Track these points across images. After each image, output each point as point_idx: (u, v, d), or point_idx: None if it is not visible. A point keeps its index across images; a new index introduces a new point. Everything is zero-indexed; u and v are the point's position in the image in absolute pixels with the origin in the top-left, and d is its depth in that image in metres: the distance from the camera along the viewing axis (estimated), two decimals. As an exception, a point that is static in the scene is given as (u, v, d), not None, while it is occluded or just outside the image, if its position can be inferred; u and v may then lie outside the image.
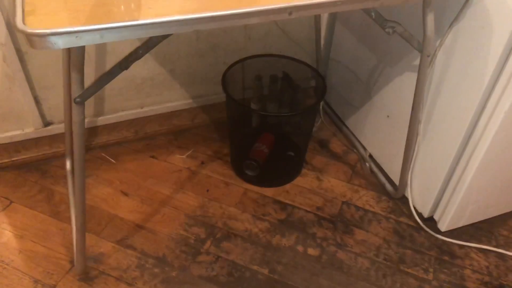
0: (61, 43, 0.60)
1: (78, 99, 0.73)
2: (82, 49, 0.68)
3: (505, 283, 1.11)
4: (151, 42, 0.72)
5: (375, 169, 1.38)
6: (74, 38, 0.60)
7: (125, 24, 0.62)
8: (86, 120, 1.32)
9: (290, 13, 0.72)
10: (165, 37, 0.72)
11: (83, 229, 0.93)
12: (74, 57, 0.68)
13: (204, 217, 1.21)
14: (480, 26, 0.92)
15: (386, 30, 0.90)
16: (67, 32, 0.59)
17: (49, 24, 0.60)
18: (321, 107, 1.59)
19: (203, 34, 1.33)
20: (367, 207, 1.28)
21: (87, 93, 0.73)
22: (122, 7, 0.70)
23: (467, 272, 1.13)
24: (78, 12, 0.65)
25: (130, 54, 0.72)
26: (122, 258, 1.09)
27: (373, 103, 1.34)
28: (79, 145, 0.78)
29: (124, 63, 0.72)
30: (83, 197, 0.86)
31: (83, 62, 0.70)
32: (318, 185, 1.34)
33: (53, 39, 0.58)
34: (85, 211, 0.90)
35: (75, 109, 0.74)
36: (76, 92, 0.72)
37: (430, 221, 1.23)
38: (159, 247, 1.13)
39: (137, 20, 0.62)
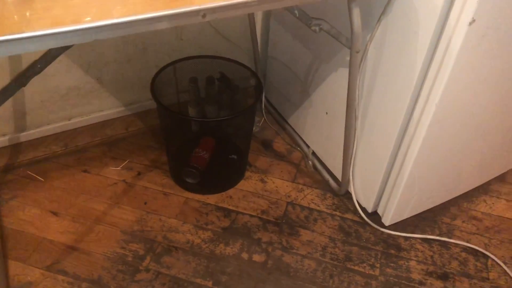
0: None
1: (-30, 122, 0.64)
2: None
3: (449, 271, 1.13)
4: (51, 55, 0.65)
5: (319, 166, 1.36)
6: None
7: (6, 38, 0.54)
8: (6, 137, 1.23)
9: (203, 16, 0.67)
10: (65, 48, 0.65)
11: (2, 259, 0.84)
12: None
13: (142, 232, 1.15)
14: (406, 19, 0.91)
15: (312, 28, 0.87)
16: None
17: None
18: (263, 106, 1.56)
19: (130, 38, 1.25)
20: (312, 206, 1.26)
21: (-20, 115, 0.65)
22: (15, 17, 0.62)
23: (413, 263, 1.14)
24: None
25: (27, 69, 0.65)
26: (52, 285, 1.01)
27: (312, 101, 1.32)
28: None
29: (21, 79, 0.65)
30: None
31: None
32: (262, 187, 1.30)
33: None
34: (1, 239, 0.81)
35: (-31, 133, 0.66)
36: (-34, 114, 0.64)
37: (375, 216, 1.23)
38: (93, 269, 1.05)
39: (23, 32, 0.55)
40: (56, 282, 1.02)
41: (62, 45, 0.61)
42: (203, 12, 0.67)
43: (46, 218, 1.15)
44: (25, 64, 1.14)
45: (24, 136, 1.25)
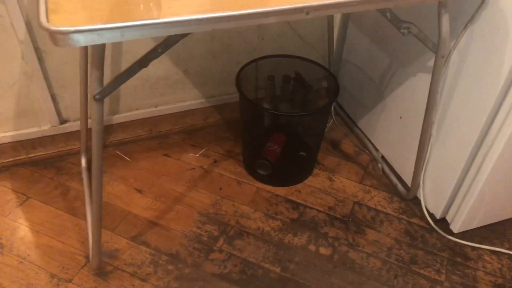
0: (83, 40, 0.61)
1: (97, 96, 0.74)
2: (102, 47, 0.69)
3: (518, 285, 1.11)
4: (170, 41, 0.73)
5: (387, 170, 1.38)
6: (95, 35, 0.61)
7: (145, 22, 0.63)
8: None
9: (307, 13, 0.73)
10: (183, 36, 0.73)
11: (99, 225, 0.94)
12: (95, 55, 0.69)
13: (217, 215, 1.22)
14: (495, 28, 0.92)
15: (401, 30, 0.90)
16: (89, 30, 0.60)
17: (71, 22, 0.62)
18: (332, 108, 1.60)
19: (217, 35, 1.34)
20: (379, 207, 1.28)
21: (106, 91, 0.74)
22: (142, 6, 0.71)
23: (480, 274, 1.13)
24: (99, 10, 0.66)
25: (149, 53, 0.74)
26: (136, 254, 1.11)
27: (385, 104, 1.34)
28: (97, 142, 0.80)
29: (143, 62, 0.74)
30: (100, 193, 0.88)
31: (103, 60, 0.71)
32: (329, 185, 1.34)
33: (76, 36, 0.60)
34: (101, 207, 0.91)
35: (94, 106, 0.75)
36: (96, 89, 0.73)
37: (442, 222, 1.23)
38: (172, 244, 1.14)
39: (156, 18, 0.64)
40: (140, 252, 1.11)
41: (182, 32, 0.69)
42: (307, 10, 0.72)
43: (131, 194, 1.26)
44: (124, 51, 1.26)
45: (116, 119, 1.37)
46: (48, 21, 0.61)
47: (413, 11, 1.11)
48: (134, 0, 0.70)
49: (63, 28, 0.59)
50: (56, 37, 0.60)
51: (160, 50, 0.73)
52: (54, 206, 1.21)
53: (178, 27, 0.66)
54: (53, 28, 0.59)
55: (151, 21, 0.63)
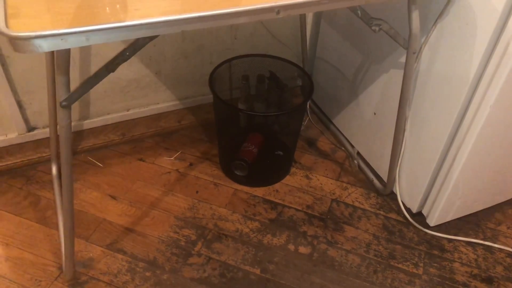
0: (46, 46, 0.58)
1: (64, 103, 0.71)
2: (67, 52, 0.67)
3: (493, 275, 1.13)
4: (138, 44, 0.71)
5: (363, 166, 1.39)
6: (59, 40, 0.59)
7: (111, 25, 0.61)
8: (72, 124, 1.31)
9: (278, 12, 0.72)
10: (152, 38, 0.71)
11: (71, 235, 0.91)
12: (59, 60, 0.67)
13: (194, 218, 1.20)
14: (464, 23, 0.93)
15: (372, 28, 0.91)
16: (52, 35, 0.58)
17: (33, 27, 0.59)
18: (308, 106, 1.60)
19: (189, 35, 1.32)
20: (356, 204, 1.29)
21: (73, 97, 0.72)
22: (108, 9, 0.69)
23: (456, 265, 1.15)
24: (63, 14, 0.64)
25: (117, 56, 0.71)
26: (112, 262, 1.08)
27: (359, 101, 1.35)
28: (66, 149, 0.77)
29: (111, 65, 0.71)
30: (71, 202, 0.85)
31: (69, 65, 0.69)
32: (307, 183, 1.34)
33: (38, 42, 0.57)
34: (73, 216, 0.88)
35: (61, 113, 0.72)
36: (62, 95, 0.70)
37: (419, 216, 1.25)
38: (149, 250, 1.12)
39: (123, 21, 0.62)
40: (116, 260, 1.09)
41: (150, 35, 0.67)
42: (277, 9, 0.71)
43: (105, 201, 1.23)
44: (93, 55, 1.22)
45: (87, 124, 1.33)
46: (7, 26, 0.58)
47: (384, 8, 1.12)
48: (99, 3, 0.68)
49: (24, 34, 0.56)
50: (16, 43, 0.57)
51: (128, 53, 0.71)
52: (24, 216, 1.17)
53: (146, 30, 0.64)
54: (13, 33, 0.56)
55: (117, 24, 0.61)
